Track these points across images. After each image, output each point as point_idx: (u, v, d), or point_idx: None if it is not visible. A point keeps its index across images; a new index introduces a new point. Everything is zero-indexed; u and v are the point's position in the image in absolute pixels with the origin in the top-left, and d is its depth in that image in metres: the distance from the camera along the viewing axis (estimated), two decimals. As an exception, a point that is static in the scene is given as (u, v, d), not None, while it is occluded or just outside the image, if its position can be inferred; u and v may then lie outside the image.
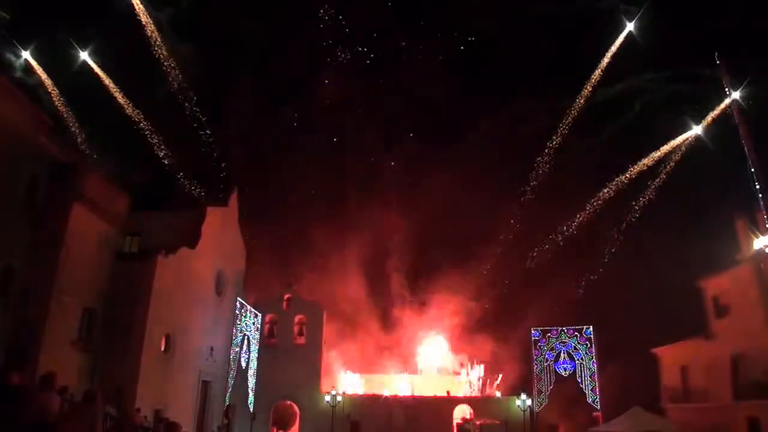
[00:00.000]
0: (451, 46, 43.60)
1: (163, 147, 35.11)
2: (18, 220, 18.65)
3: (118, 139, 33.41)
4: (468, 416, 34.09)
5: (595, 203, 38.25)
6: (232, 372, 30.90)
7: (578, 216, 38.93)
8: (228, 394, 30.50)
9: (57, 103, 31.14)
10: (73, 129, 31.70)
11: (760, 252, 25.24)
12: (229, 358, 30.97)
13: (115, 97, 33.00)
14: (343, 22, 40.88)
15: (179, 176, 36.06)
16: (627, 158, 36.49)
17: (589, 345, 34.84)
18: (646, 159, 35.08)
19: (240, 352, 32.03)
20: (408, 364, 41.28)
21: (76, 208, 20.34)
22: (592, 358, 34.53)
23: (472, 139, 43.49)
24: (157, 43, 32.90)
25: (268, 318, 37.05)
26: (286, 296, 37.83)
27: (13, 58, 29.22)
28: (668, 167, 34.43)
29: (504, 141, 42.63)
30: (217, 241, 30.33)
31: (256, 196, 39.61)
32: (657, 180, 35.30)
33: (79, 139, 31.61)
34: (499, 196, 42.62)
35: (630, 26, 32.36)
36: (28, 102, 18.85)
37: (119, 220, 23.49)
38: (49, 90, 30.80)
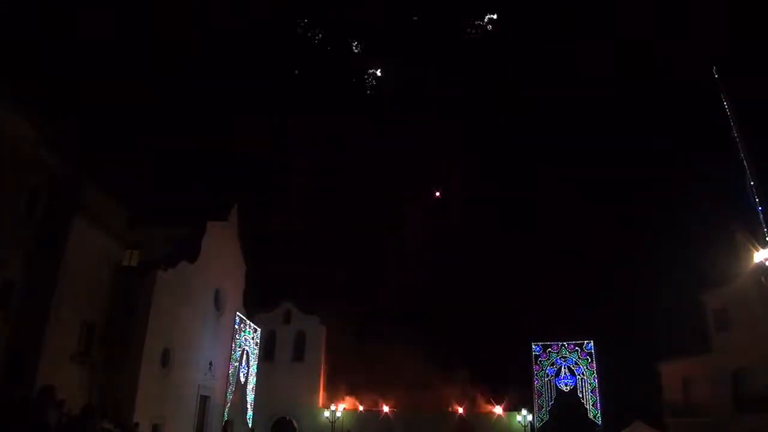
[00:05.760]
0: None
1: (164, 160, 35.20)
2: (18, 233, 18.64)
3: (119, 152, 33.40)
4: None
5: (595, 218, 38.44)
6: (231, 387, 30.69)
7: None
8: (227, 409, 30.26)
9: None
10: (74, 142, 31.69)
11: (760, 265, 25.20)
12: (228, 373, 30.78)
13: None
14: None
15: (180, 190, 36.02)
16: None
17: (590, 360, 34.56)
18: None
19: (239, 367, 31.83)
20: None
21: (76, 221, 20.33)
22: (593, 373, 34.26)
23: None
24: None
25: (267, 333, 36.89)
26: (286, 311, 37.75)
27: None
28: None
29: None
30: (216, 256, 30.33)
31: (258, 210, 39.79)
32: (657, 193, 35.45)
33: (80, 152, 31.57)
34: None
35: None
36: (29, 113, 18.86)
37: (119, 234, 23.49)
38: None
